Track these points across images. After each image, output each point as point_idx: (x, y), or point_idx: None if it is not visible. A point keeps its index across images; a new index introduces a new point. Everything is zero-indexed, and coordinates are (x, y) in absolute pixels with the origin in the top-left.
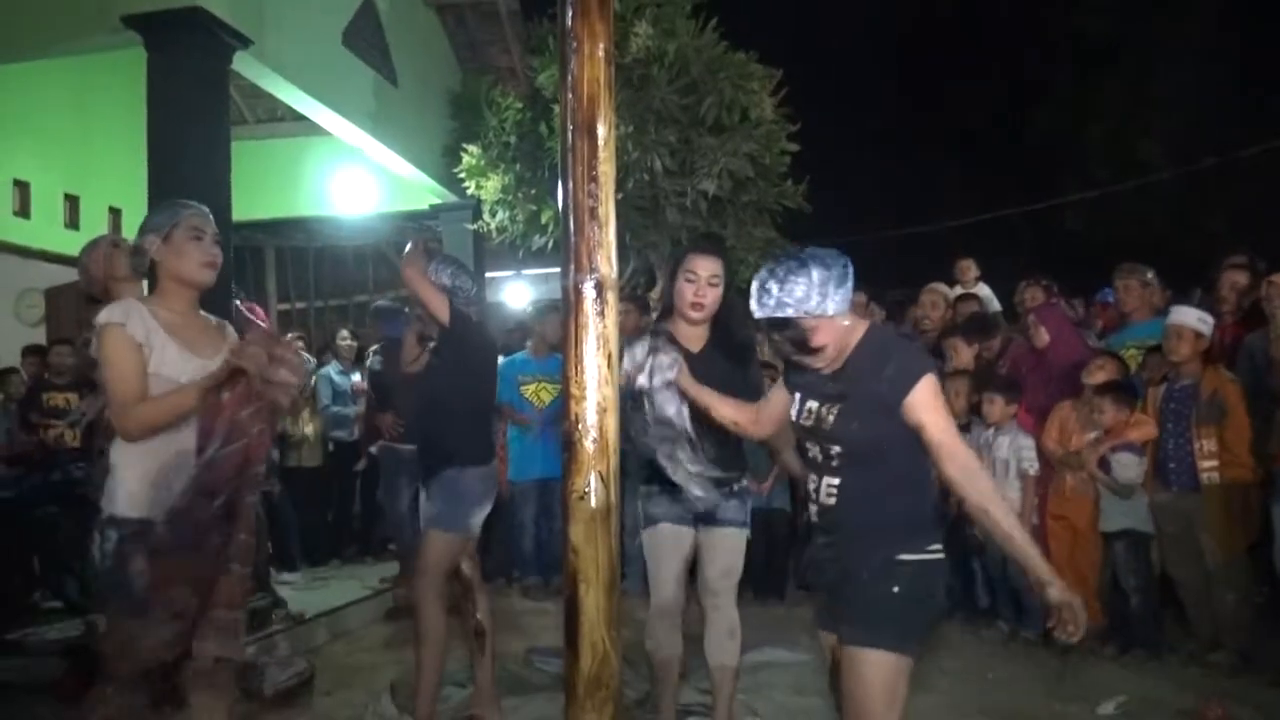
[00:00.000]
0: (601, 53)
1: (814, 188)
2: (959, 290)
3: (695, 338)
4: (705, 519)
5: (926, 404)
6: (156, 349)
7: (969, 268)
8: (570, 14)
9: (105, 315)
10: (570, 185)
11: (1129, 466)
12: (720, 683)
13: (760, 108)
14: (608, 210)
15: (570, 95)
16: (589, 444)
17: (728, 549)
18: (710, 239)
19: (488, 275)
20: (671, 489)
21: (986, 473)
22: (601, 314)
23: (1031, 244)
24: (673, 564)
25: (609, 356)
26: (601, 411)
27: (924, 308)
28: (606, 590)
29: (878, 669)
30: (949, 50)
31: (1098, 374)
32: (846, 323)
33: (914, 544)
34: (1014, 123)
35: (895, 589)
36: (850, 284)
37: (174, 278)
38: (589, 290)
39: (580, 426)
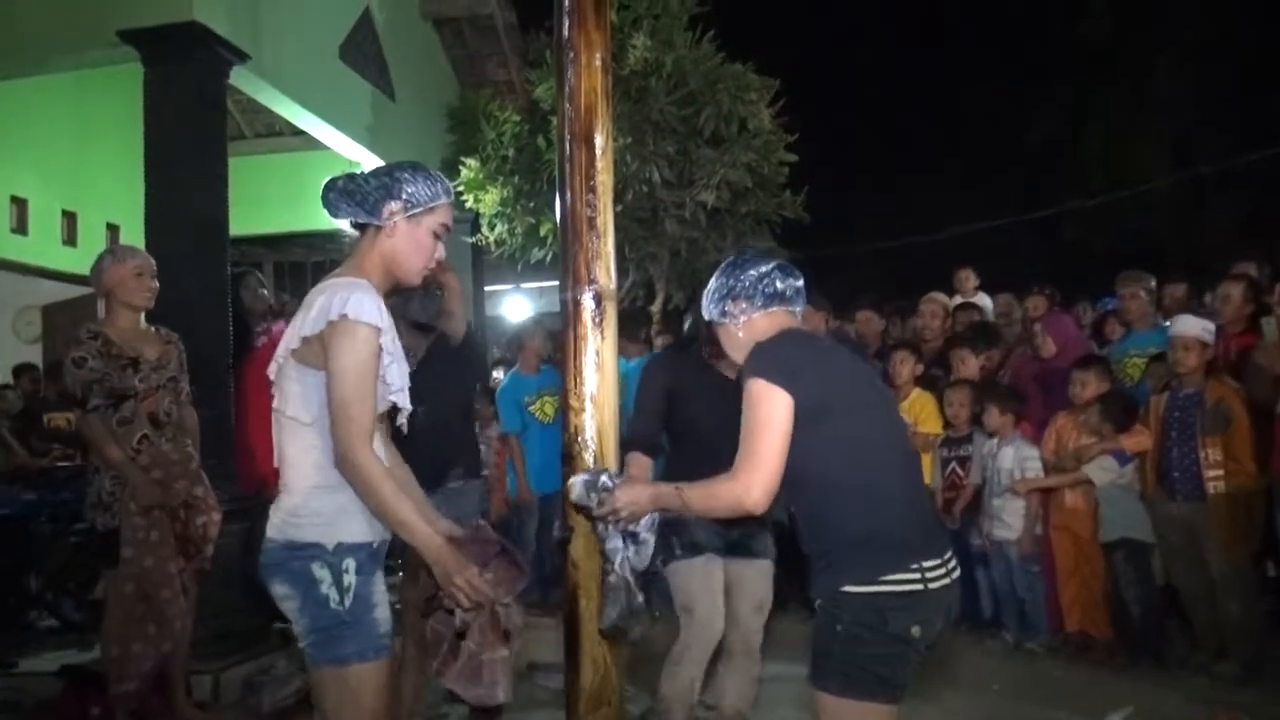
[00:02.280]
0: (598, 62)
1: (813, 197)
2: (959, 300)
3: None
4: (736, 549)
5: (744, 410)
6: (387, 352)
7: (968, 277)
8: (566, 24)
9: (354, 309)
10: (568, 195)
11: (1106, 471)
12: None
13: (758, 118)
14: (606, 220)
15: (567, 105)
16: (588, 456)
17: (762, 582)
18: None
19: (486, 289)
20: None
21: (724, 496)
22: (600, 325)
23: (1031, 253)
24: (720, 595)
25: (609, 368)
26: (601, 423)
27: (924, 317)
28: None
29: (824, 711)
30: (948, 59)
31: (1083, 392)
32: (740, 334)
33: (864, 573)
34: (1013, 131)
35: (838, 627)
36: (736, 291)
37: (389, 263)
38: (588, 301)
39: (580, 439)
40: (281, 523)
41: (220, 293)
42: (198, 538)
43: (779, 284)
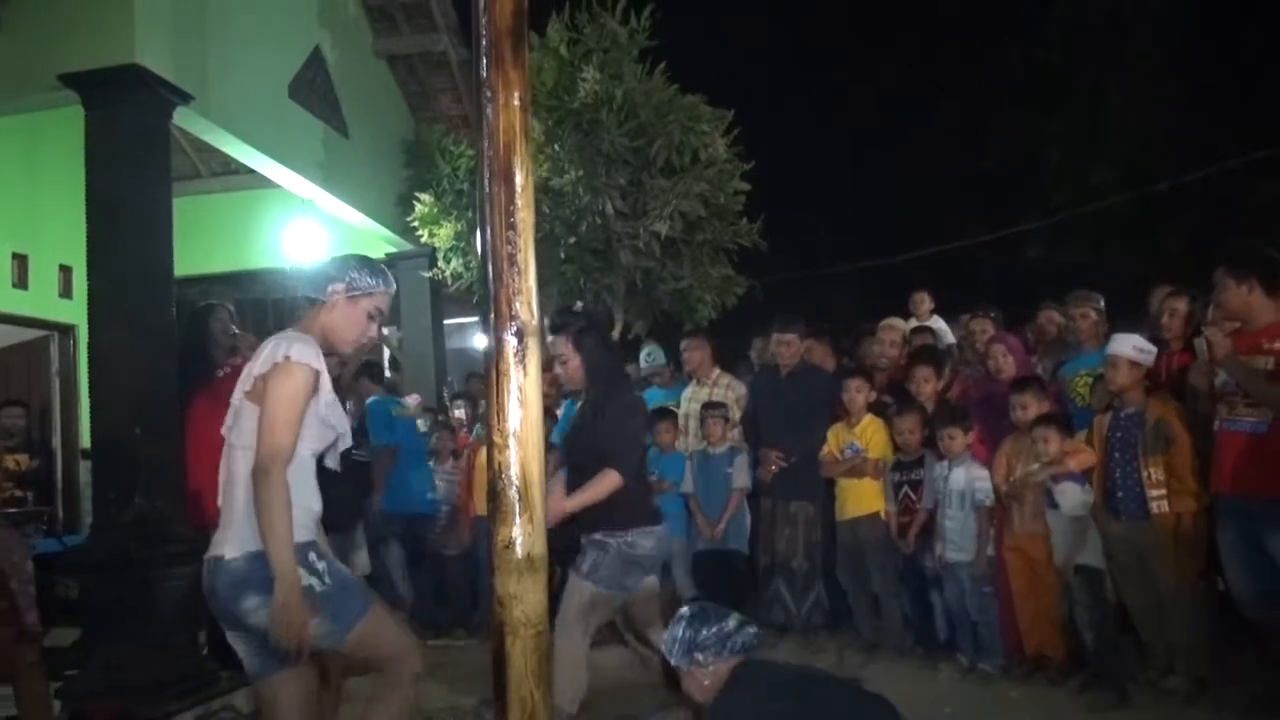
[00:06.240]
0: (516, 101)
1: (771, 224)
2: (914, 323)
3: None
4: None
5: None
6: (324, 398)
7: (923, 300)
8: (484, 63)
9: (297, 354)
10: (489, 233)
11: (1072, 495)
12: None
13: (711, 148)
14: (527, 257)
15: (486, 144)
16: (512, 493)
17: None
18: (563, 314)
19: (446, 322)
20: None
21: None
22: (523, 361)
23: (993, 275)
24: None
25: (531, 404)
26: (524, 459)
27: (882, 345)
28: (535, 641)
29: None
30: (904, 83)
31: (1023, 413)
32: (705, 681)
33: None
34: (972, 156)
35: None
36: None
37: (328, 332)
38: (510, 338)
39: (504, 475)
40: (238, 538)
41: (166, 335)
42: (19, 602)
43: (741, 638)
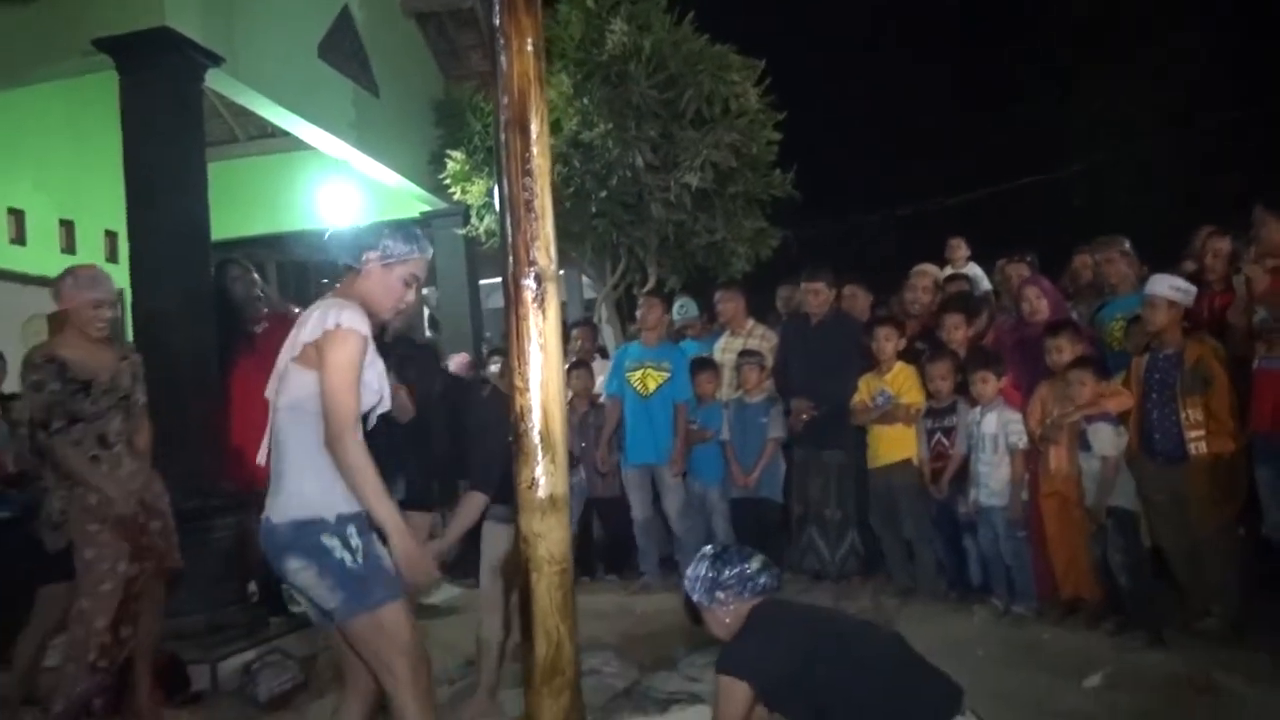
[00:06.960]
0: (530, 48)
1: (805, 174)
2: (949, 270)
3: None
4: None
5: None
6: (369, 359)
7: (959, 246)
8: (497, 11)
9: (347, 321)
10: (505, 181)
11: (1105, 437)
12: None
13: (743, 99)
14: (544, 203)
15: (501, 91)
16: (535, 435)
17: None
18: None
19: (481, 282)
20: None
21: None
22: (542, 306)
23: (1037, 221)
24: None
25: (551, 348)
26: (545, 401)
27: (914, 290)
28: (559, 578)
29: None
30: (942, 30)
31: (1059, 356)
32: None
33: None
34: (1013, 100)
35: None
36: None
37: (364, 300)
38: (529, 283)
39: (526, 418)
40: (283, 505)
41: (203, 298)
42: (159, 542)
43: (763, 579)
